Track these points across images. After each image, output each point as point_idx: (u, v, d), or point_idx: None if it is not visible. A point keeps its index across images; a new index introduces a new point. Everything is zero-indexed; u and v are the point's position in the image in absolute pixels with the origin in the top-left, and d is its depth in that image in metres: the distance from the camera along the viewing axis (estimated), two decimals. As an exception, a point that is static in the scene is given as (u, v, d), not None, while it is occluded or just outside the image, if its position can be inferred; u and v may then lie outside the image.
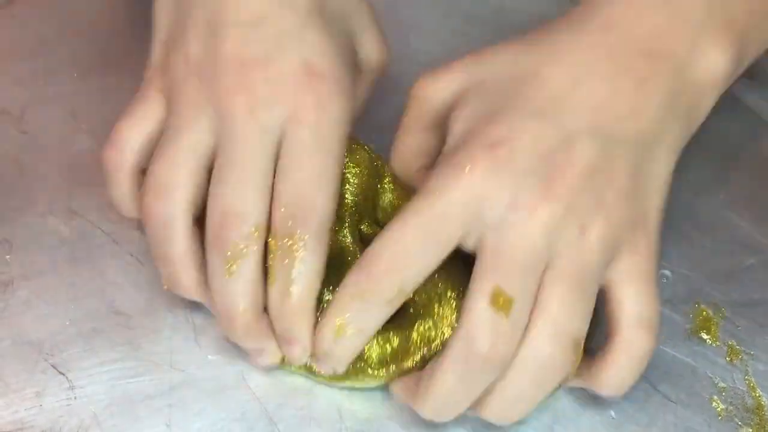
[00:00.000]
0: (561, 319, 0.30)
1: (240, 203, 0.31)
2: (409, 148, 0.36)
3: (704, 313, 0.38)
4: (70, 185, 0.39)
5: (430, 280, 0.31)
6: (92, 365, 0.34)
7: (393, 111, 0.37)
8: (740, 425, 0.35)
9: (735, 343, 0.37)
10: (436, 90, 0.35)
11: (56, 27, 0.45)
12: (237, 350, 0.34)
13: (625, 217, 0.31)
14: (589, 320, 0.31)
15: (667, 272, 0.39)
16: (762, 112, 0.46)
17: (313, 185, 0.31)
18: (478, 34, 0.48)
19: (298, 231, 0.31)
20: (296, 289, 0.31)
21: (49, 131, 0.41)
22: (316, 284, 0.31)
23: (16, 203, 0.38)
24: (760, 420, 0.35)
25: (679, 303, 0.38)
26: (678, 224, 0.41)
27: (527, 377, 0.30)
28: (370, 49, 0.37)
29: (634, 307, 0.31)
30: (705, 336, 0.37)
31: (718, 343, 0.37)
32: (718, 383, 0.36)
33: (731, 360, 0.36)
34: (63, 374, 0.33)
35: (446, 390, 0.30)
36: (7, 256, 0.36)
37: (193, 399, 0.33)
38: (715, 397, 0.35)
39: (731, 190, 0.42)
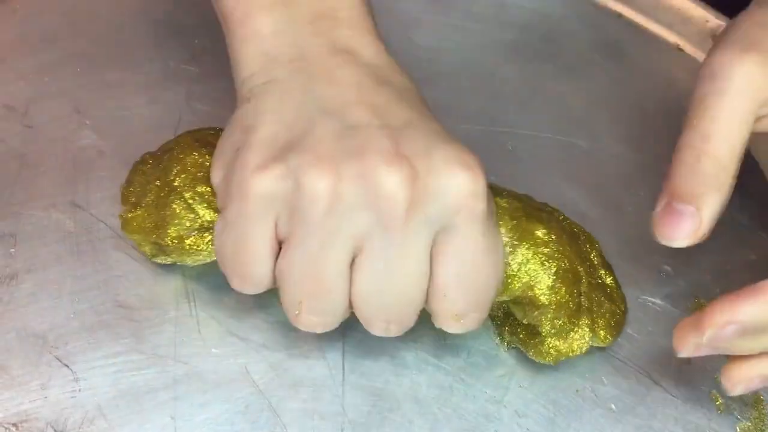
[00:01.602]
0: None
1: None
2: None
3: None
4: (74, 179, 0.39)
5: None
6: (97, 358, 0.34)
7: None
8: (739, 419, 0.35)
9: (734, 338, 0.37)
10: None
11: (59, 22, 0.45)
12: (241, 343, 0.34)
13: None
14: None
15: (667, 267, 0.39)
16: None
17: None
18: (478, 30, 0.48)
19: None
20: None
21: (53, 126, 0.41)
22: None
23: (21, 197, 0.38)
24: (758, 414, 0.35)
25: (680, 298, 0.38)
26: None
27: None
28: None
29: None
30: (705, 330, 0.37)
31: (717, 337, 0.37)
32: (717, 377, 0.36)
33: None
34: (67, 366, 0.33)
35: None
36: (12, 250, 0.36)
37: (198, 391, 0.33)
38: (715, 392, 0.36)
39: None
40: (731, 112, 0.32)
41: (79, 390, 0.33)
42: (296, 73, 0.32)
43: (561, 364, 0.35)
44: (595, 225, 0.38)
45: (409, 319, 0.32)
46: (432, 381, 0.35)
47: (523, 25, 0.48)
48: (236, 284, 0.32)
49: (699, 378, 0.36)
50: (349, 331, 0.34)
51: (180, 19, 0.46)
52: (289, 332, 0.35)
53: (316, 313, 0.31)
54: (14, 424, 0.32)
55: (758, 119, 0.33)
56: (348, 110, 0.31)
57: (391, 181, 0.29)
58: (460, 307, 0.31)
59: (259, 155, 0.31)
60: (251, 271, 0.32)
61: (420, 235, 0.30)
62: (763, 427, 0.35)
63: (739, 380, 0.32)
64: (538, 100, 0.46)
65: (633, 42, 0.49)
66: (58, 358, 0.34)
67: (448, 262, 0.31)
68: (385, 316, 0.31)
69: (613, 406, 0.35)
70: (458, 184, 0.30)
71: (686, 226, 0.31)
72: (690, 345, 0.31)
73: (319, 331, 0.32)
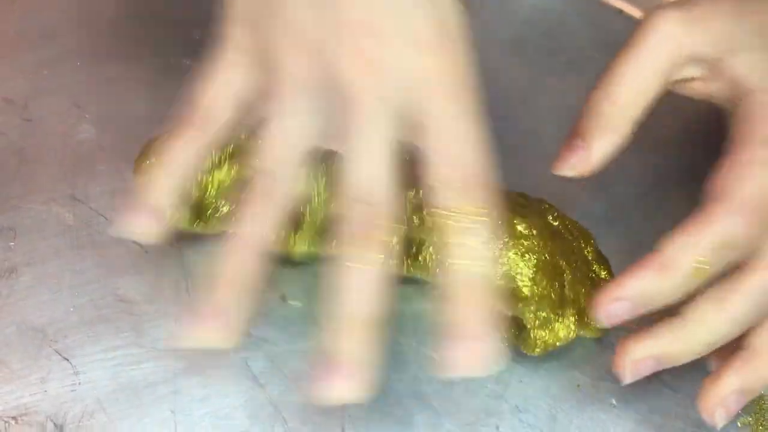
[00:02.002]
0: None
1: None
2: None
3: (704, 303, 0.38)
4: (73, 173, 0.39)
5: None
6: (96, 351, 0.34)
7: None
8: (740, 414, 0.35)
9: (735, 333, 0.37)
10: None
11: (58, 16, 0.45)
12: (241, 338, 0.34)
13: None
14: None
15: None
16: None
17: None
18: (479, 26, 0.48)
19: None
20: None
21: (52, 120, 0.41)
22: None
23: (20, 191, 0.38)
24: (759, 409, 0.35)
25: (680, 293, 0.38)
26: (678, 215, 0.41)
27: None
28: None
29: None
30: (705, 326, 0.37)
31: (718, 333, 0.37)
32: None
33: (731, 350, 0.37)
34: (67, 360, 0.33)
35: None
36: (11, 243, 0.36)
37: (198, 385, 0.33)
38: (715, 387, 0.35)
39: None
40: (641, 62, 0.33)
41: (79, 384, 0.33)
42: None
43: (561, 358, 0.35)
44: (594, 221, 0.38)
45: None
46: (432, 376, 0.35)
47: (523, 21, 0.48)
48: None
49: (700, 373, 0.36)
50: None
51: (180, 14, 0.46)
52: (289, 326, 0.35)
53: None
54: (14, 418, 0.32)
55: (685, 82, 0.34)
56: None
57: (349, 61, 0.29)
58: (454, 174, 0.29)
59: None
60: None
61: (386, 107, 0.29)
62: (765, 422, 0.35)
63: (714, 403, 0.32)
64: (539, 96, 0.45)
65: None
66: (57, 352, 0.34)
67: (425, 140, 0.30)
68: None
69: (613, 401, 0.35)
70: (422, 62, 0.30)
71: (574, 158, 0.34)
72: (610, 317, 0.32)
73: None
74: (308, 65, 0.30)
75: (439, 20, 0.31)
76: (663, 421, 0.34)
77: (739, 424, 0.35)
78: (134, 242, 0.37)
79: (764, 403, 0.35)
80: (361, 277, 0.29)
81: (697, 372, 0.36)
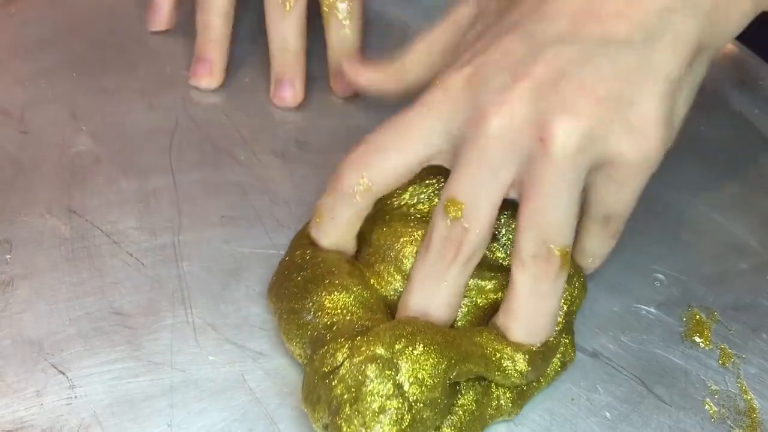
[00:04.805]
0: (541, 225, 0.31)
1: None
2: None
3: (697, 316, 0.38)
4: (69, 185, 0.39)
5: None
6: (92, 365, 0.34)
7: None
8: (732, 427, 0.35)
9: (727, 347, 0.37)
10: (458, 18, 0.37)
11: (55, 27, 0.45)
12: (237, 351, 0.34)
13: (607, 120, 0.31)
14: (572, 226, 0.32)
15: (660, 276, 0.40)
16: (755, 120, 0.46)
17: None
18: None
19: None
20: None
21: (49, 131, 0.41)
22: None
23: (16, 203, 0.38)
24: (751, 422, 0.35)
25: (673, 306, 0.39)
26: (671, 228, 0.41)
27: (523, 284, 0.32)
28: None
29: (600, 208, 0.33)
30: (698, 339, 0.38)
31: (710, 346, 0.37)
32: (710, 386, 0.36)
33: (723, 363, 0.37)
34: (63, 373, 0.33)
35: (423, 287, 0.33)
36: (7, 256, 0.36)
37: (194, 399, 0.33)
38: (708, 400, 0.36)
39: (724, 195, 0.43)
40: None
41: (75, 397, 0.33)
42: None
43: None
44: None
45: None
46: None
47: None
48: None
49: (693, 386, 0.36)
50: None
51: (176, 25, 0.46)
52: (286, 340, 0.35)
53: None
54: (10, 432, 0.32)
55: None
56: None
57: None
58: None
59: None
60: None
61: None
62: (756, 436, 0.35)
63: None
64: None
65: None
66: (53, 365, 0.34)
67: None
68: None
69: (607, 414, 0.35)
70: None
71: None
72: None
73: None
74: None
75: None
76: (656, 434, 0.35)
77: (731, 438, 0.35)
78: (130, 255, 0.37)
79: (756, 417, 0.36)
80: None
81: (690, 385, 0.36)
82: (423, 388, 0.30)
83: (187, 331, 0.35)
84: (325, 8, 0.42)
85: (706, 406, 0.36)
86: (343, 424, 0.29)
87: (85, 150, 0.40)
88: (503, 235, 0.36)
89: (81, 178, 0.39)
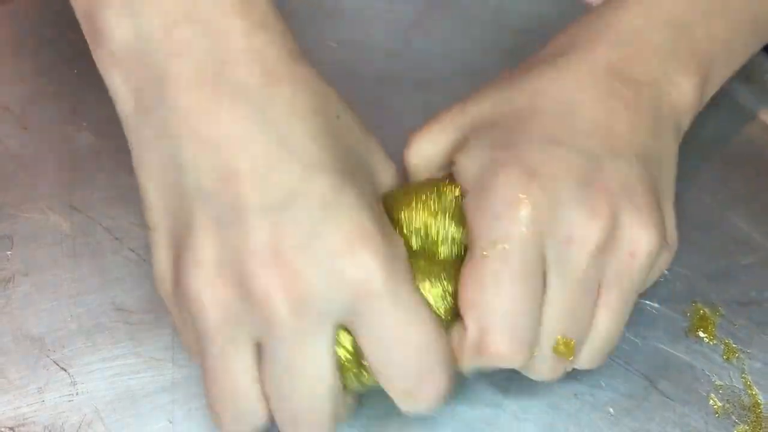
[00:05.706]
0: (610, 334, 0.32)
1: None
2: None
3: (702, 311, 0.38)
4: (70, 181, 0.39)
5: None
6: (94, 361, 0.34)
7: (393, 112, 0.37)
8: (737, 422, 0.35)
9: (732, 342, 0.37)
10: (430, 146, 0.34)
11: (56, 24, 0.45)
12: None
13: (659, 228, 0.32)
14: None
15: (664, 271, 0.39)
16: (760, 114, 0.46)
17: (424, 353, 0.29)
18: (478, 35, 0.48)
19: None
20: None
21: (50, 128, 0.41)
22: None
23: (17, 199, 0.38)
24: (756, 417, 0.35)
25: (677, 301, 0.38)
26: (676, 223, 0.41)
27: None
28: (384, 174, 0.33)
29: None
30: (702, 334, 0.37)
31: (715, 341, 0.37)
32: (715, 381, 0.36)
33: (728, 358, 0.37)
34: (65, 370, 0.33)
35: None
36: (8, 252, 0.36)
37: (196, 395, 0.33)
38: (713, 395, 0.36)
39: (729, 190, 0.43)
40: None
41: (77, 393, 0.33)
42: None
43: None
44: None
45: (323, 427, 0.29)
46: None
47: (520, 30, 0.49)
48: None
49: (697, 382, 0.36)
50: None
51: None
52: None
53: (236, 422, 0.29)
54: (11, 428, 0.32)
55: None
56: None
57: (265, 285, 0.27)
58: (405, 385, 0.29)
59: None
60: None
61: (315, 335, 0.27)
62: (761, 431, 0.35)
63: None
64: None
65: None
66: (55, 362, 0.33)
67: (368, 346, 0.28)
68: (293, 425, 0.29)
69: (611, 410, 0.35)
70: (342, 273, 0.27)
71: None
72: None
73: None
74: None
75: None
76: (660, 430, 0.35)
77: (735, 433, 0.35)
78: (132, 251, 0.37)
79: (761, 412, 0.35)
80: None
81: (694, 381, 0.36)
82: None
83: (189, 327, 0.35)
84: None
85: (711, 402, 0.35)
86: None
87: (87, 146, 0.40)
88: None
89: (82, 174, 0.39)
